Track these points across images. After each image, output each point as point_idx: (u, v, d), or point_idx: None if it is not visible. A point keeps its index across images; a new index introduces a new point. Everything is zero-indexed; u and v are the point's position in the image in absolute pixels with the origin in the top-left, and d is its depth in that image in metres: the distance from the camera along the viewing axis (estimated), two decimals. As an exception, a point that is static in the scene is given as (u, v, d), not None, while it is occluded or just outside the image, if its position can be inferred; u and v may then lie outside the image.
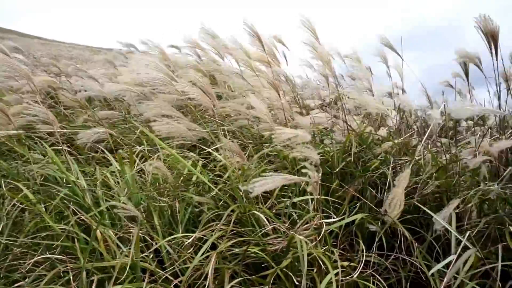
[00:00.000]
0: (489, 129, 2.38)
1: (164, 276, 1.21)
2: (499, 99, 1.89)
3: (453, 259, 1.13)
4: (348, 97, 2.24)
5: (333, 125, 2.26)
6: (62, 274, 1.16)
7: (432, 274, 1.27)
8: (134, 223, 1.43)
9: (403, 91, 2.69)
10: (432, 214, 1.27)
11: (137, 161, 1.79)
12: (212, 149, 1.65)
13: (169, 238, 1.29)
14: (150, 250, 1.30)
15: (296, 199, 1.46)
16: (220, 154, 1.56)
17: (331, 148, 1.87)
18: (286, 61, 2.48)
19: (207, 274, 1.13)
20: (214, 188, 1.46)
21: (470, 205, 1.46)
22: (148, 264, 1.26)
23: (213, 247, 1.29)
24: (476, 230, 1.40)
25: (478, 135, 1.99)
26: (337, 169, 1.71)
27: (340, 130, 2.13)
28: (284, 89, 2.56)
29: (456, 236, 1.23)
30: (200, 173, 1.61)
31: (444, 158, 1.78)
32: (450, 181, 1.60)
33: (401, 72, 2.25)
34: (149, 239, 1.34)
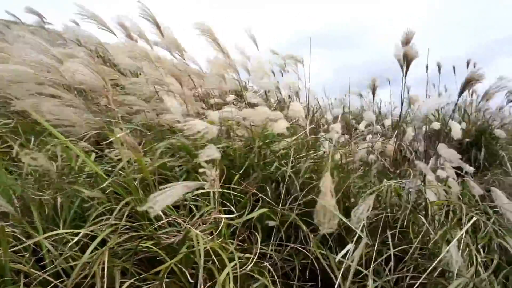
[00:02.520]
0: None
1: (46, 280, 1.08)
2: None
3: (351, 248, 1.23)
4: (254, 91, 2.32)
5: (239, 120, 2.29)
6: None
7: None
8: (6, 219, 1.24)
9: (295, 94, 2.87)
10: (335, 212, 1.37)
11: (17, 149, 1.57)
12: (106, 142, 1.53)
13: (49, 234, 1.15)
14: (25, 249, 1.15)
15: (196, 192, 1.44)
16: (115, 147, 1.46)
17: (234, 143, 1.90)
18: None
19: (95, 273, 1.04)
20: (105, 179, 1.35)
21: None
22: (23, 265, 1.11)
23: (104, 243, 1.19)
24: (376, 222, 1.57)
25: (373, 135, 2.24)
26: (238, 164, 1.74)
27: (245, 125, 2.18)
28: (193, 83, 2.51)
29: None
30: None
31: (341, 155, 1.95)
32: (345, 178, 1.76)
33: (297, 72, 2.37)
34: (23, 238, 1.18)
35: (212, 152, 1.27)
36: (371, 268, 1.24)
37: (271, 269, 1.29)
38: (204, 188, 1.08)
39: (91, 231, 1.23)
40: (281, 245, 1.55)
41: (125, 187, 1.42)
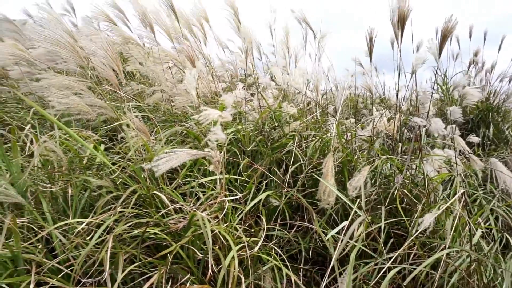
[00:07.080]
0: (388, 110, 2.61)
1: (58, 269, 1.11)
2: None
3: (346, 225, 1.20)
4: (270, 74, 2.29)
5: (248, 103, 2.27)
6: None
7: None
8: (19, 211, 1.27)
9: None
10: (332, 188, 1.33)
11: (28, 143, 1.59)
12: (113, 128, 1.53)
13: (59, 224, 1.17)
14: (36, 239, 1.17)
15: (203, 180, 1.43)
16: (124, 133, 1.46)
17: (244, 127, 1.87)
18: (206, 37, 2.39)
19: (103, 260, 1.05)
20: (114, 169, 1.35)
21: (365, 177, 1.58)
22: (35, 255, 1.13)
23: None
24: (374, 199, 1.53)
25: (376, 116, 2.17)
26: (249, 149, 1.72)
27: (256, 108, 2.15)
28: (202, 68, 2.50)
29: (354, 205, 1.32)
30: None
31: (346, 136, 1.90)
32: (349, 157, 1.71)
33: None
34: (36, 228, 1.21)
35: (219, 135, 1.25)
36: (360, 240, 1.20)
37: (279, 251, 1.27)
38: (209, 166, 1.06)
39: (101, 220, 1.25)
40: (288, 228, 1.53)
41: (133, 177, 1.43)
